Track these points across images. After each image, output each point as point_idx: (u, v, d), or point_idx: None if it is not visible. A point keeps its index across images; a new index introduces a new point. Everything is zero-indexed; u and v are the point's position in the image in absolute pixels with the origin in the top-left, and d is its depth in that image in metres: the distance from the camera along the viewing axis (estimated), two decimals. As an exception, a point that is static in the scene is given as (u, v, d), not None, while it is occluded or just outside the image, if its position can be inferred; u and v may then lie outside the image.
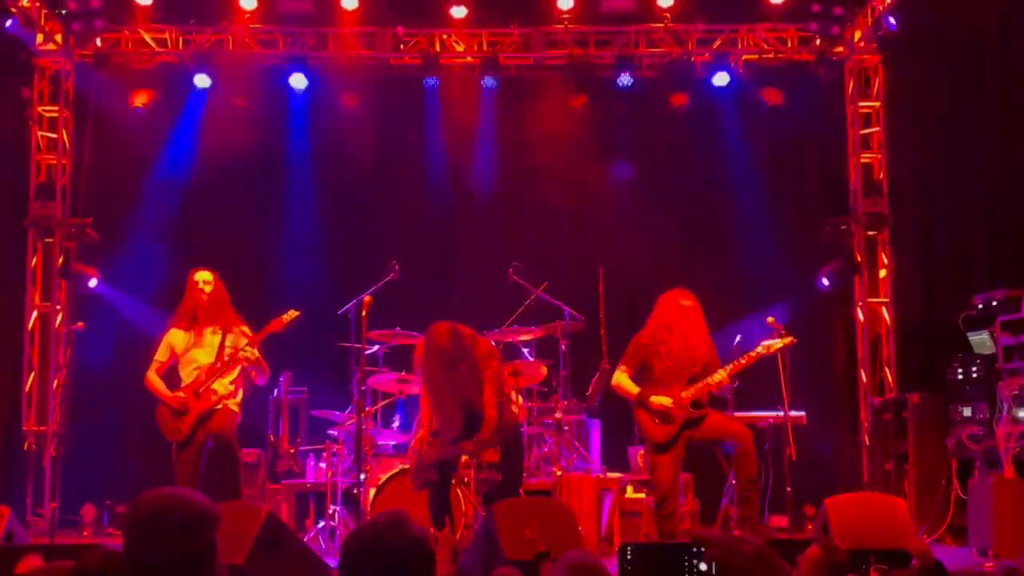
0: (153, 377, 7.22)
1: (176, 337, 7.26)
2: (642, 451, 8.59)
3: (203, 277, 7.27)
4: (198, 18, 10.47)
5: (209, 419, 7.12)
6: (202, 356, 7.19)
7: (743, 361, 6.97)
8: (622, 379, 7.06)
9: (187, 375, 7.21)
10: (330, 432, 8.74)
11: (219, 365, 7.12)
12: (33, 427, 9.99)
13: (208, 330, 7.24)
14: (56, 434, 9.27)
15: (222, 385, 7.17)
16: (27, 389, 10.11)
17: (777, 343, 6.99)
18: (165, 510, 2.66)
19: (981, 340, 8.73)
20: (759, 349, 7.00)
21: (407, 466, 7.43)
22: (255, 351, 7.13)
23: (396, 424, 8.91)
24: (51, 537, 7.46)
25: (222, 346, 7.19)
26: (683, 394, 6.89)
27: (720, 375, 6.94)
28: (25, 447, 9.93)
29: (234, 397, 7.22)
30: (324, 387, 9.86)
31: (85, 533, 9.23)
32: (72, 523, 9.30)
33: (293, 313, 7.20)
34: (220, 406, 7.13)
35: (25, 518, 9.24)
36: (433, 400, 7.09)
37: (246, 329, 7.30)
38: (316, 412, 9.09)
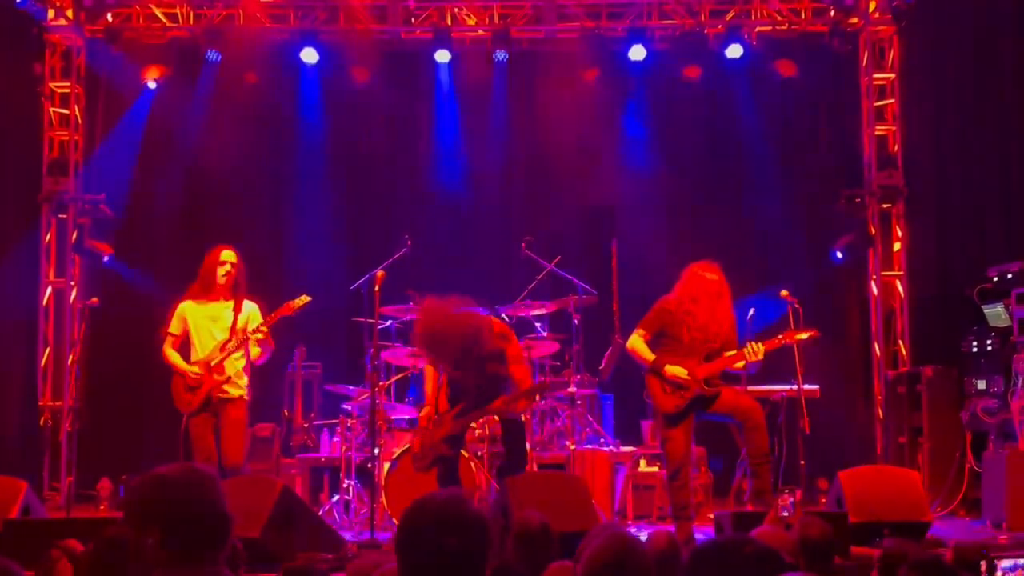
0: (170, 352, 7.25)
1: (189, 310, 7.28)
2: (653, 423, 8.60)
3: (229, 257, 7.27)
4: (208, -8, 10.45)
5: (219, 403, 7.17)
6: (216, 330, 7.22)
7: (764, 346, 6.88)
8: (638, 343, 6.98)
9: (200, 348, 7.23)
10: (344, 407, 8.77)
11: (232, 343, 7.15)
12: (49, 402, 10.05)
13: (222, 305, 7.25)
14: (72, 409, 9.31)
15: (232, 363, 7.20)
16: (42, 364, 10.16)
17: (802, 335, 6.91)
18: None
19: (996, 313, 8.70)
20: (781, 338, 6.90)
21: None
22: (265, 331, 7.17)
23: (410, 398, 8.94)
24: (67, 511, 7.51)
25: (235, 323, 7.22)
26: (698, 370, 6.86)
27: (741, 363, 6.87)
28: (41, 422, 9.99)
29: (243, 378, 7.25)
30: (337, 362, 9.90)
31: (101, 507, 9.28)
32: (88, 498, 9.36)
33: (305, 298, 7.22)
34: (230, 393, 7.17)
35: (42, 493, 9.31)
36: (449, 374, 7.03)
37: (256, 312, 7.32)
38: (330, 387, 9.12)
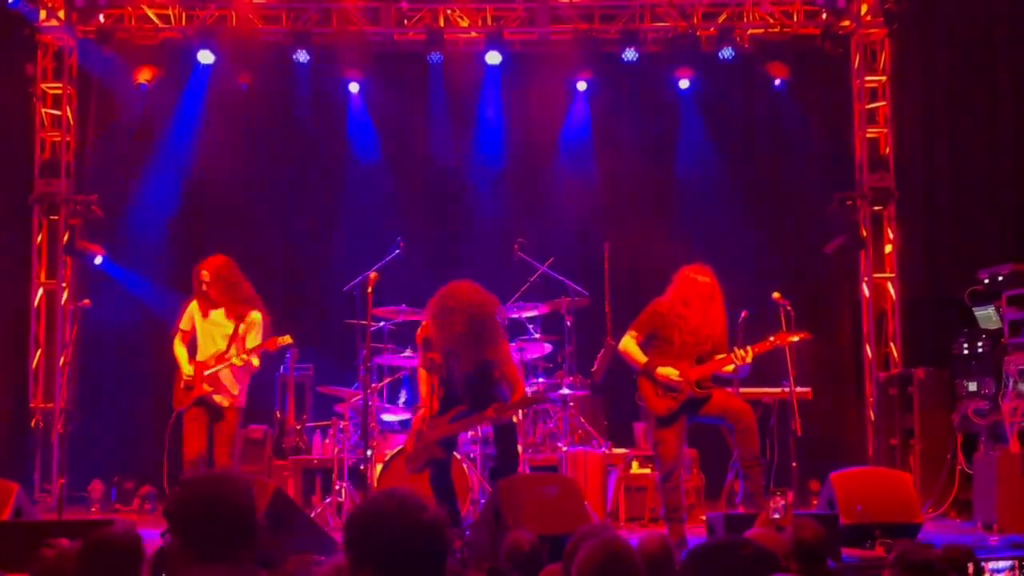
0: (177, 346, 7.32)
1: (196, 310, 7.33)
2: (645, 425, 8.60)
3: (204, 276, 7.29)
4: (200, -7, 10.43)
5: (212, 409, 7.20)
6: (217, 336, 7.25)
7: (755, 349, 6.89)
8: (630, 345, 6.99)
9: (201, 351, 7.27)
10: (336, 408, 8.77)
11: (226, 355, 7.18)
12: (40, 404, 10.01)
13: (222, 312, 7.28)
14: (63, 411, 9.30)
15: (227, 373, 7.22)
16: (34, 366, 10.13)
17: (793, 337, 6.93)
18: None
19: (987, 315, 8.73)
20: (773, 340, 6.92)
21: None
22: (245, 358, 7.19)
23: (402, 400, 8.94)
24: (59, 513, 7.49)
25: (235, 332, 7.23)
26: (690, 372, 6.87)
27: (730, 367, 6.89)
28: (32, 424, 9.96)
29: (236, 387, 7.27)
30: (330, 364, 9.88)
31: (93, 509, 9.27)
32: (80, 499, 9.34)
33: (287, 339, 7.29)
34: (221, 403, 7.18)
35: (33, 495, 9.28)
36: (449, 364, 6.89)
37: (258, 322, 7.31)
38: (322, 389, 9.11)
